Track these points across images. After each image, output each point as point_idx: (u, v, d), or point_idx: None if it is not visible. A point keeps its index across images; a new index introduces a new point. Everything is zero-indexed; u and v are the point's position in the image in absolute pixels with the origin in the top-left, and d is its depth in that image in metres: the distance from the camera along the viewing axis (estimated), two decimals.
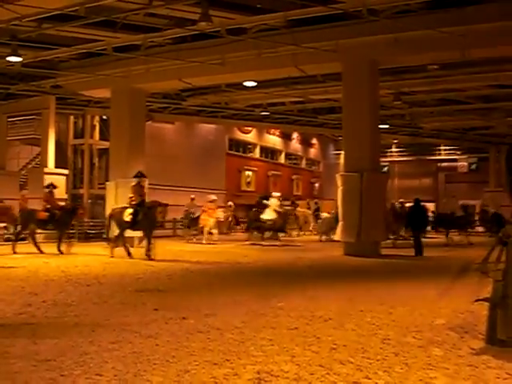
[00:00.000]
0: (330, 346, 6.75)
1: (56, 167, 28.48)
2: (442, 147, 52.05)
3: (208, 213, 26.12)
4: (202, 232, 26.57)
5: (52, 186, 20.71)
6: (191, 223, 27.62)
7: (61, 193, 27.02)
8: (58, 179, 27.43)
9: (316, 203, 37.33)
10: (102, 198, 26.71)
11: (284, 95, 28.51)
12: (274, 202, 25.45)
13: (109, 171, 25.78)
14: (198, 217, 26.81)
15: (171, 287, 11.83)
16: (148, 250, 17.73)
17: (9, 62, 20.88)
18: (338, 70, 21.04)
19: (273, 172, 49.58)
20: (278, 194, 27.45)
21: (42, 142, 29.28)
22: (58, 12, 17.00)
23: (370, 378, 5.64)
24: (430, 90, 27.64)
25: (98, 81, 23.97)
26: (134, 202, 18.69)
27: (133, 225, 18.22)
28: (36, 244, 19.71)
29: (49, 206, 19.91)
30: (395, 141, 48.69)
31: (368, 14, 17.46)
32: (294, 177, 52.62)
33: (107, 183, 24.82)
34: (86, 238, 25.99)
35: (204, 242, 25.40)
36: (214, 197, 27.15)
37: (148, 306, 9.40)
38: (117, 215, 18.67)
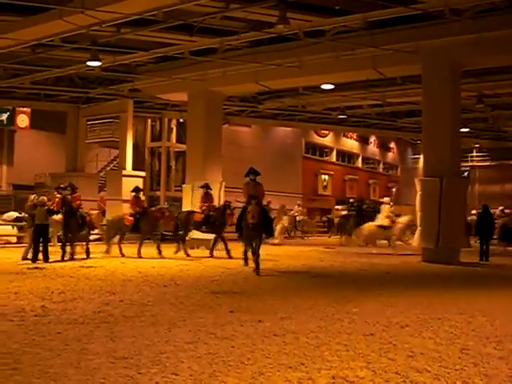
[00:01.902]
0: (407, 354, 6.59)
1: (133, 169, 29.04)
2: None
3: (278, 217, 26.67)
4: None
5: (207, 187, 20.56)
6: None
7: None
8: (135, 181, 28.03)
9: None
10: (179, 200, 27.03)
11: (362, 98, 28.24)
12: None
13: (185, 174, 26.08)
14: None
15: (247, 290, 11.83)
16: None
17: (89, 66, 21.42)
18: (418, 72, 20.57)
19: (349, 176, 49.22)
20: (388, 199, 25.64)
21: (120, 144, 29.92)
22: (137, 17, 17.34)
23: None
24: None
25: (174, 84, 24.35)
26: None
27: (237, 229, 16.14)
28: (184, 247, 19.71)
29: (204, 208, 19.84)
30: (476, 145, 47.47)
31: (450, 13, 17.04)
32: (370, 181, 52.11)
33: (184, 186, 25.10)
34: (162, 239, 26.32)
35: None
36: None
37: (223, 307, 9.42)
38: None
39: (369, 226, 23.45)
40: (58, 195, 17.87)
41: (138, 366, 5.88)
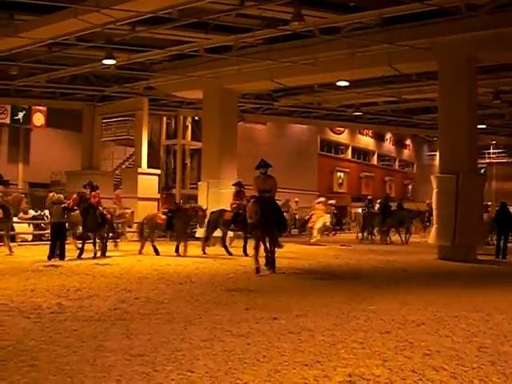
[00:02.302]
0: (423, 352, 6.53)
1: (149, 167, 29.12)
2: None
3: (317, 214, 25.66)
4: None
5: (239, 185, 19.88)
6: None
7: (153, 193, 27.65)
8: (150, 179, 28.08)
9: None
10: (194, 198, 27.06)
11: (377, 95, 28.11)
12: None
13: (201, 171, 26.11)
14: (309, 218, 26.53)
15: (262, 287, 11.81)
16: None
17: (104, 64, 21.58)
18: (433, 68, 20.50)
19: (365, 173, 49.21)
20: None
21: (135, 142, 30.04)
22: (152, 15, 17.36)
23: None
24: None
25: (189, 82, 24.38)
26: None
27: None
28: (205, 245, 19.47)
29: (234, 206, 19.34)
30: (493, 142, 47.19)
31: (466, 9, 16.93)
32: (386, 178, 52.06)
33: (199, 183, 25.14)
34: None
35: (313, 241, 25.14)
36: (322, 198, 26.89)
37: (239, 305, 9.41)
38: None
39: None
40: (93, 192, 17.93)
41: (154, 364, 5.88)
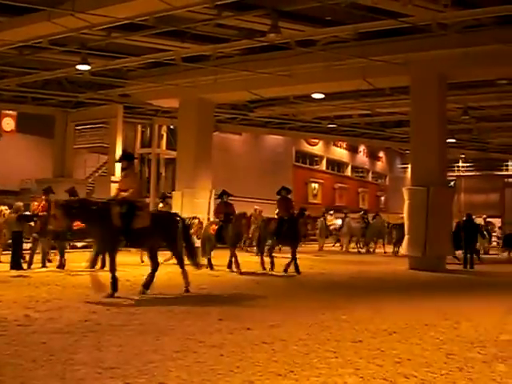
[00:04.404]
0: (394, 360, 6.65)
1: None
2: (509, 162, 51.26)
3: None
4: None
5: (286, 189, 18.19)
6: None
7: None
8: None
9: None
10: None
11: (352, 108, 28.35)
12: None
13: (175, 181, 26.00)
14: None
15: (235, 297, 11.84)
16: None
17: (78, 70, 21.30)
18: (406, 83, 20.82)
19: (339, 185, 49.44)
20: None
21: (109, 150, 29.72)
22: (128, 21, 17.23)
23: None
24: (499, 105, 27.28)
25: (166, 90, 24.32)
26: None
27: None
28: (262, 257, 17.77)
29: (281, 215, 17.53)
30: (462, 155, 47.83)
31: (438, 27, 17.26)
32: (360, 190, 52.40)
33: (173, 193, 25.00)
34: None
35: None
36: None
37: (212, 315, 9.40)
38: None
39: None
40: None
41: (126, 376, 5.82)
